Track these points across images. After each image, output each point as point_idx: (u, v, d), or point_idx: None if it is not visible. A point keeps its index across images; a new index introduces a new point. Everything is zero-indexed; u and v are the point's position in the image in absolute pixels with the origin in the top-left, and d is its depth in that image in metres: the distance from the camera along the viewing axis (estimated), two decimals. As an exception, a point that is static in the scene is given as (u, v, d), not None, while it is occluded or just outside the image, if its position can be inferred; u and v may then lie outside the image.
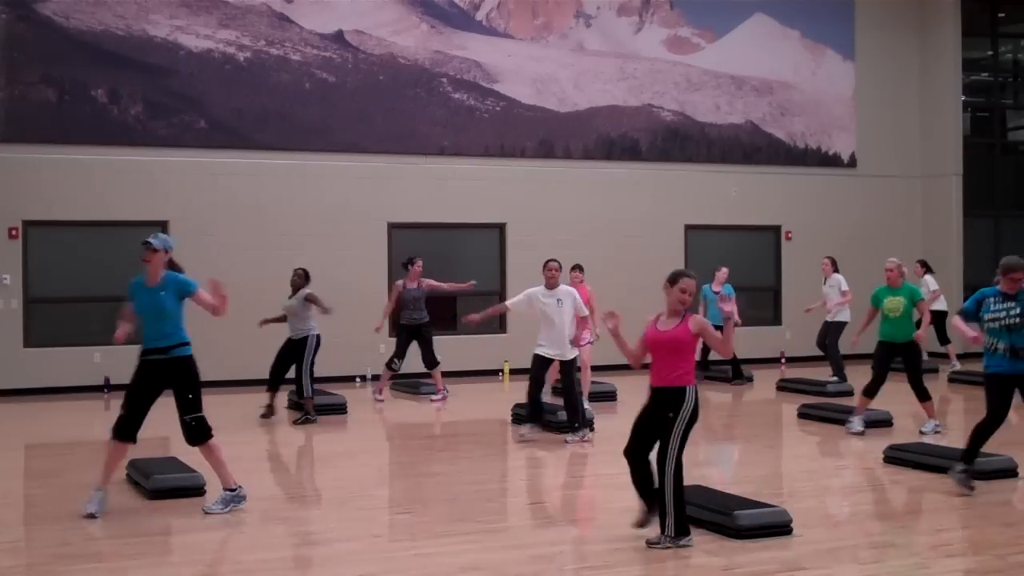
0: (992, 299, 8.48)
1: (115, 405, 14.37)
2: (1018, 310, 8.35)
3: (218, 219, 15.95)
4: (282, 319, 13.02)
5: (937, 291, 17.34)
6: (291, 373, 12.85)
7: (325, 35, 16.88)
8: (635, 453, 7.03)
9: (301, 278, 12.92)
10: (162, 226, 15.79)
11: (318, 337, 12.74)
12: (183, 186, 15.88)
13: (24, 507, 8.63)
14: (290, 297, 12.91)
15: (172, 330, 7.90)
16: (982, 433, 8.53)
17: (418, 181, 17.09)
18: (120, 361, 15.47)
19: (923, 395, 11.40)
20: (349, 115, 16.88)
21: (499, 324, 17.65)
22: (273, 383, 12.86)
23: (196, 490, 8.42)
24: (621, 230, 18.03)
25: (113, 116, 15.76)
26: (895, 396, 12.50)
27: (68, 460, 10.41)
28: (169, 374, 7.91)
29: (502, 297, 17.67)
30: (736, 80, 19.35)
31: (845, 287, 15.06)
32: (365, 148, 16.91)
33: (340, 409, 13.17)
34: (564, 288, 11.28)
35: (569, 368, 11.17)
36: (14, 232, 15.17)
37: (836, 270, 15.34)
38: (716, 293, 15.59)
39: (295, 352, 12.76)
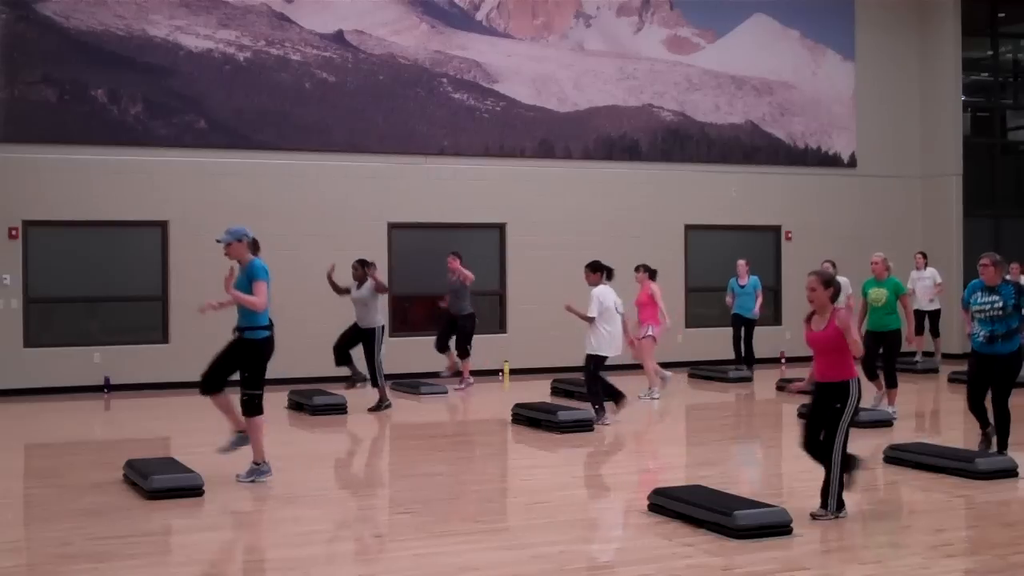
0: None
1: (115, 405, 14.49)
2: (1001, 303, 9.29)
3: (218, 219, 15.84)
4: (346, 291, 13.69)
5: (942, 285, 17.56)
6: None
7: (325, 35, 16.88)
8: (811, 445, 7.62)
9: (361, 268, 13.53)
10: (162, 226, 15.80)
11: (383, 328, 13.57)
12: (183, 186, 15.88)
13: (24, 507, 8.63)
14: (358, 288, 13.49)
15: (248, 314, 8.81)
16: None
17: (418, 181, 17.09)
18: (120, 361, 15.53)
19: (892, 382, 12.34)
20: (349, 115, 16.87)
21: (499, 324, 17.66)
22: (342, 360, 13.68)
23: (194, 490, 8.41)
24: (621, 230, 18.02)
25: (113, 116, 15.76)
26: (895, 396, 12.50)
27: (68, 460, 10.40)
28: (239, 352, 8.91)
29: (502, 297, 17.70)
30: (736, 80, 19.35)
31: (851, 290, 15.06)
32: (365, 148, 16.91)
33: (340, 409, 13.17)
34: (593, 290, 12.14)
35: (586, 361, 12.18)
36: (14, 232, 15.16)
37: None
38: (742, 287, 16.47)
39: (360, 338, 13.44)
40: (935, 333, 17.79)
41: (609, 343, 12.02)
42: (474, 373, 16.42)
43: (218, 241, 8.91)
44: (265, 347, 8.90)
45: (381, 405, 13.30)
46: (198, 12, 16.22)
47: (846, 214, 19.71)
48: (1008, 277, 9.92)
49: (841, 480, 7.53)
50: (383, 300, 13.78)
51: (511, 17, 18.16)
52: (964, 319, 10.77)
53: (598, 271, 12.17)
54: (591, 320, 11.91)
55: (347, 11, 17.02)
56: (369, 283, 13.33)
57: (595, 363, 12.06)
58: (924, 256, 17.76)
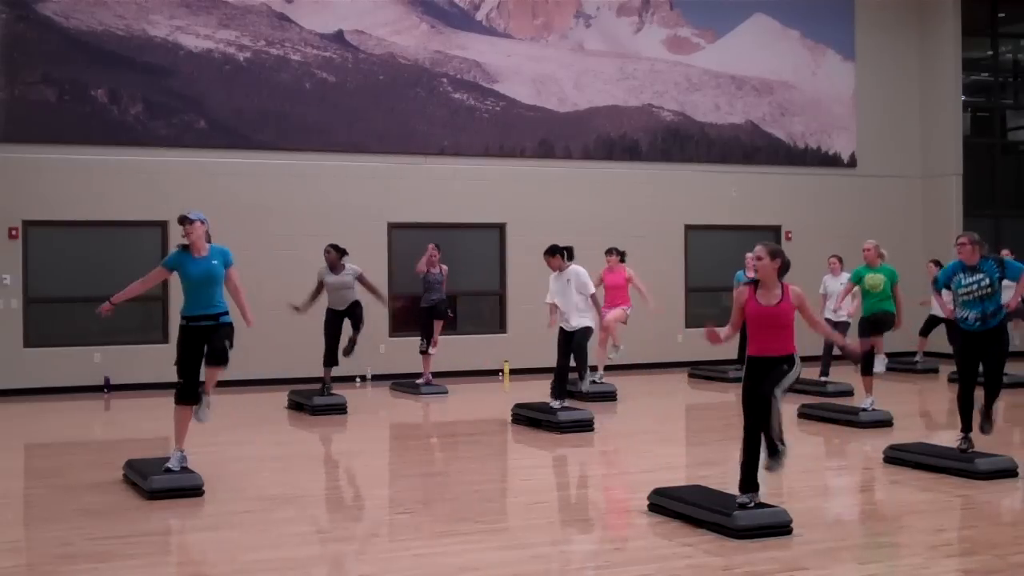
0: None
1: (115, 405, 14.48)
2: (987, 281, 9.14)
3: (218, 219, 15.74)
4: (314, 296, 13.51)
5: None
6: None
7: (325, 35, 16.88)
8: (752, 429, 7.38)
9: (334, 254, 13.43)
10: (162, 226, 15.80)
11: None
12: (183, 186, 15.87)
13: (24, 507, 8.63)
14: (335, 274, 13.40)
15: (220, 298, 8.74)
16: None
17: (418, 181, 17.09)
18: (120, 361, 15.53)
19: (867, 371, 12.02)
20: (349, 115, 16.88)
21: (499, 324, 17.66)
22: (332, 360, 13.53)
23: (194, 490, 8.41)
24: (621, 230, 18.00)
25: (113, 116, 15.76)
26: (896, 397, 12.53)
27: (68, 460, 10.40)
28: (214, 335, 8.65)
29: (502, 297, 17.71)
30: (736, 80, 19.36)
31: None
32: (365, 148, 16.91)
33: (340, 409, 13.17)
34: (572, 268, 12.14)
35: (578, 336, 12.11)
36: (14, 232, 15.17)
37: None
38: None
39: (344, 316, 13.43)
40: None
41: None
42: (474, 373, 16.44)
43: (186, 217, 8.73)
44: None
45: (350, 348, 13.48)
46: (198, 12, 16.22)
47: (846, 214, 19.71)
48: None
49: (780, 423, 7.29)
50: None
51: (511, 17, 18.16)
52: (937, 301, 10.72)
53: (557, 254, 12.23)
54: (592, 294, 12.16)
55: (347, 11, 17.03)
56: (351, 270, 13.38)
57: (590, 335, 12.27)
58: (937, 264, 17.45)
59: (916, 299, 17.29)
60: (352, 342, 13.45)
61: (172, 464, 8.59)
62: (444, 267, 15.29)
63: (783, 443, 7.33)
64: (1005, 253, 15.08)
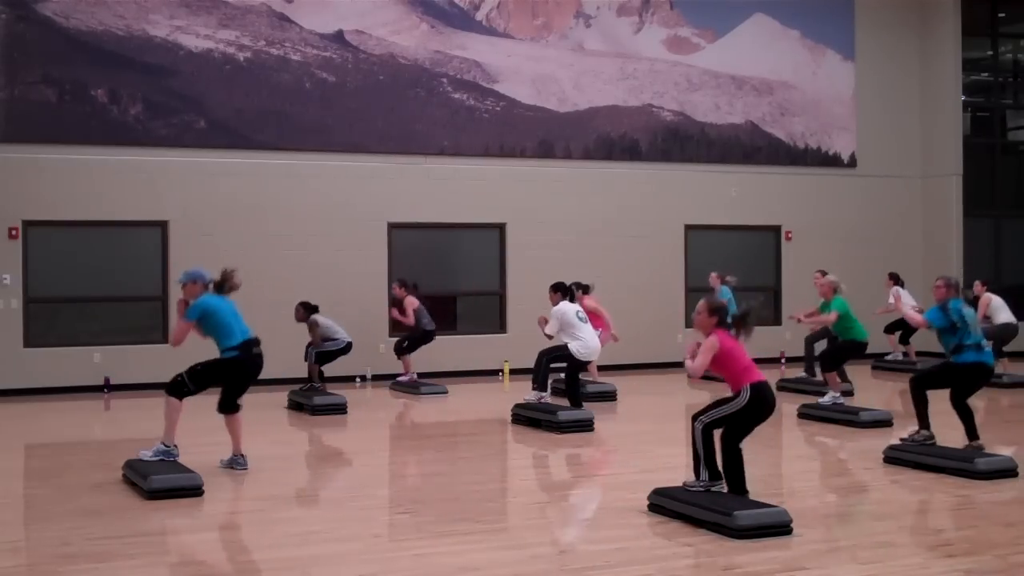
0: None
1: (115, 405, 14.49)
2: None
3: (218, 219, 15.95)
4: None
5: (892, 306, 17.05)
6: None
7: (325, 35, 16.88)
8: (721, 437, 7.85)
9: (302, 312, 14.30)
10: (162, 226, 15.80)
11: (332, 353, 14.27)
12: (183, 186, 15.88)
13: (24, 507, 8.62)
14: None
15: (218, 343, 9.31)
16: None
17: (418, 181, 17.09)
18: (120, 361, 15.53)
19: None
20: (349, 115, 16.88)
21: (499, 324, 17.66)
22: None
23: (194, 490, 8.41)
24: (621, 230, 18.03)
25: (113, 116, 15.76)
26: (896, 396, 12.52)
27: (68, 460, 10.40)
28: None
29: (502, 297, 17.71)
30: (736, 80, 19.35)
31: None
32: (365, 148, 16.91)
33: (340, 409, 13.17)
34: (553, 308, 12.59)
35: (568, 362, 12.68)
36: (14, 232, 15.16)
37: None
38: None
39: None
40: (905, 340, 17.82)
41: (584, 351, 12.45)
42: (474, 373, 16.46)
43: (181, 281, 9.56)
44: (226, 363, 9.22)
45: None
46: (198, 12, 16.22)
47: (846, 214, 19.71)
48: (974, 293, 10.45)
49: (706, 451, 7.75)
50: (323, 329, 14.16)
51: (511, 17, 18.16)
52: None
53: (558, 291, 12.70)
54: (549, 337, 12.53)
55: (347, 11, 17.03)
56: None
57: (573, 366, 12.53)
58: (891, 277, 17.48)
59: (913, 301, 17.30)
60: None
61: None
62: (409, 298, 15.34)
63: (702, 476, 7.73)
64: (978, 288, 15.57)
